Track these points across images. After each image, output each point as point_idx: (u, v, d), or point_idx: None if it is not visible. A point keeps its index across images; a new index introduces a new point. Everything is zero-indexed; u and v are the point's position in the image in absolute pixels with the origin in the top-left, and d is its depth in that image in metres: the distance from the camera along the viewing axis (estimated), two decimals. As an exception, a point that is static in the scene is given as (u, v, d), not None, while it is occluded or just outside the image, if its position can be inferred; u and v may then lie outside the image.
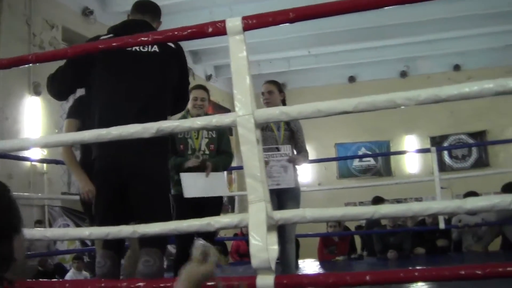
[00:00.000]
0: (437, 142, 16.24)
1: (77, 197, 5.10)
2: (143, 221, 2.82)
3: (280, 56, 15.71)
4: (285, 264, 4.94)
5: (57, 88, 3.79)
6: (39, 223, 9.43)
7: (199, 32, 2.59)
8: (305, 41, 14.41)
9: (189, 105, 4.99)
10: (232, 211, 15.33)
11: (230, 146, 5.22)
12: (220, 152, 5.10)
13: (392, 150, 16.82)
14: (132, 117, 2.98)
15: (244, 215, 2.46)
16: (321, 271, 7.86)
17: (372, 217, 2.38)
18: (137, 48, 3.45)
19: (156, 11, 3.86)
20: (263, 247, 2.31)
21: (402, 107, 2.37)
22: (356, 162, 17.35)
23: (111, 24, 3.75)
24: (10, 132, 9.20)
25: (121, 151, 3.29)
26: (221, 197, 5.18)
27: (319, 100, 2.45)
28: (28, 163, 9.39)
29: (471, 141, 16.40)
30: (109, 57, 3.42)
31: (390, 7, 2.53)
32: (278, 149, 5.02)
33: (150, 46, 3.50)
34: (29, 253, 8.56)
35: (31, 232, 3.14)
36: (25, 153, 7.85)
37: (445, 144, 16.33)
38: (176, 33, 2.64)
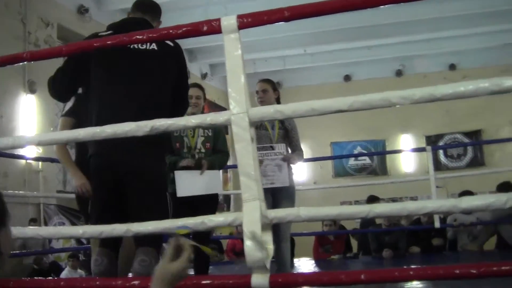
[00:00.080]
0: (432, 141, 16.27)
1: (73, 195, 5.10)
2: (140, 220, 2.82)
3: (275, 54, 15.72)
4: (280, 263, 4.93)
5: (58, 89, 3.78)
6: (34, 221, 9.41)
7: (194, 30, 2.58)
8: (300, 40, 14.42)
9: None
10: (228, 209, 15.34)
11: (226, 145, 5.21)
12: (216, 151, 5.09)
13: (387, 149, 16.85)
14: (130, 116, 2.96)
15: (238, 214, 2.46)
16: (316, 270, 7.87)
17: (367, 216, 2.38)
18: (135, 45, 3.44)
19: (157, 11, 3.85)
20: (258, 245, 2.31)
21: (398, 106, 2.37)
22: (351, 161, 17.37)
23: (107, 22, 3.74)
24: (5, 130, 9.19)
25: (117, 149, 3.28)
26: (216, 196, 5.17)
27: (314, 99, 2.44)
28: (23, 161, 9.38)
29: (466, 140, 16.44)
30: (107, 55, 3.41)
31: (386, 6, 2.53)
32: (272, 148, 5.02)
33: (148, 44, 3.49)
34: (24, 251, 8.57)
35: (23, 231, 3.13)
36: (20, 151, 7.83)
37: (441, 143, 16.36)
38: (171, 31, 2.63)
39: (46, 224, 9.78)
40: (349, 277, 2.33)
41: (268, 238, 2.39)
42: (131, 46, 3.42)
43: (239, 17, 2.45)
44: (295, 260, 8.85)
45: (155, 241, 3.32)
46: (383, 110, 13.45)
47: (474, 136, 16.40)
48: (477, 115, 15.80)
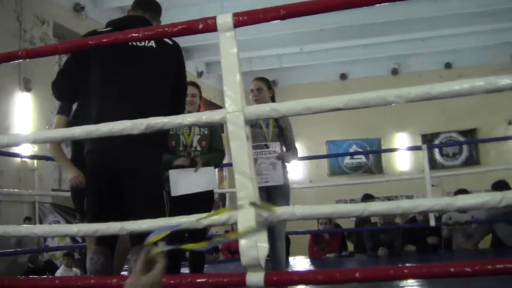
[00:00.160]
0: (428, 140, 16.32)
1: (68, 194, 5.10)
2: (136, 218, 2.81)
3: (271, 53, 15.74)
4: (276, 261, 4.93)
5: (61, 91, 3.74)
6: (29, 220, 9.41)
7: (190, 28, 2.58)
8: (296, 38, 14.44)
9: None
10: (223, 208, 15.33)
11: (222, 143, 5.20)
12: (212, 149, 5.08)
13: (383, 147, 16.89)
14: (128, 114, 2.95)
15: (233, 212, 2.46)
16: (311, 268, 7.87)
17: (362, 214, 2.38)
18: (133, 42, 3.42)
19: (157, 9, 3.82)
20: (253, 244, 2.31)
21: (393, 104, 2.37)
22: (347, 160, 17.39)
23: (102, 20, 3.74)
24: (0, 128, 9.17)
25: (114, 146, 3.26)
26: (212, 194, 5.17)
27: (310, 97, 2.44)
28: (18, 159, 9.38)
29: (462, 139, 16.48)
30: (105, 52, 3.39)
31: (382, 4, 2.53)
32: (267, 146, 5.01)
33: (147, 41, 3.48)
34: (19, 249, 8.56)
35: (18, 229, 3.13)
36: (16, 149, 7.82)
37: (436, 142, 16.42)
38: (166, 29, 2.63)
39: (41, 222, 9.78)
40: (343, 275, 2.33)
41: (263, 236, 2.39)
42: (129, 43, 3.40)
43: (235, 15, 2.45)
44: (291, 259, 8.86)
45: (151, 239, 3.31)
46: (378, 109, 13.48)
47: (470, 135, 16.44)
48: (473, 114, 15.84)
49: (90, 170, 3.48)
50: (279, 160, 5.00)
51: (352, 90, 2.46)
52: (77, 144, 4.63)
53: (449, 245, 9.09)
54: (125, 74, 3.45)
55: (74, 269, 9.27)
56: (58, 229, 3.62)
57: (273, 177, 4.95)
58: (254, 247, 2.31)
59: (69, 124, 4.51)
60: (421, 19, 13.48)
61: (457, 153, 16.63)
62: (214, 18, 2.47)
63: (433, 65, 16.52)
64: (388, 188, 13.61)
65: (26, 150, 8.96)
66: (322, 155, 15.69)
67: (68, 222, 10.06)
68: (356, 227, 9.60)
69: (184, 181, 4.75)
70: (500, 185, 7.99)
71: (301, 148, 16.63)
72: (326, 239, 9.36)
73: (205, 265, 5.46)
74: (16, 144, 3.73)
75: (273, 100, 5.17)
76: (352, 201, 14.14)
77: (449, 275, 2.20)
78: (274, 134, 5.10)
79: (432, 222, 8.25)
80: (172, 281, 2.65)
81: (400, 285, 4.93)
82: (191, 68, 14.84)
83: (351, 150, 17.01)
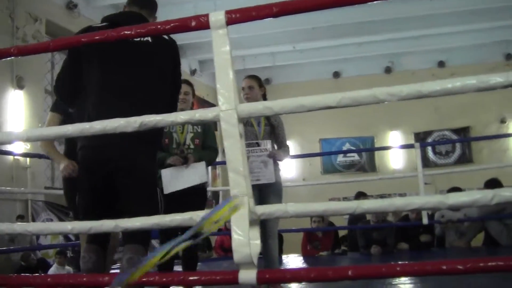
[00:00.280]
0: (421, 138, 16.35)
1: (61, 192, 5.10)
2: (130, 215, 2.80)
3: (265, 51, 15.73)
4: (268, 259, 4.94)
5: (62, 91, 3.71)
6: (21, 218, 9.38)
7: (182, 26, 2.58)
8: (290, 37, 14.45)
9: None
10: (217, 206, 15.30)
11: (216, 142, 5.19)
12: (205, 147, 5.08)
13: (376, 145, 16.90)
14: (124, 111, 2.93)
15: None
16: (304, 266, 7.88)
17: (355, 212, 2.38)
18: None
19: (153, 6, 3.80)
20: (245, 241, 2.31)
21: (386, 102, 2.38)
22: (340, 158, 17.40)
23: (95, 18, 3.72)
24: (-8, 126, 9.16)
25: (108, 143, 3.25)
26: (205, 192, 5.17)
27: (304, 96, 2.44)
28: (11, 157, 9.36)
29: (454, 137, 16.51)
30: (100, 48, 3.36)
31: (375, 2, 2.54)
32: (258, 144, 5.00)
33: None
34: (12, 247, 8.53)
35: (12, 227, 3.12)
36: (8, 147, 7.81)
37: (429, 140, 16.44)
38: (159, 26, 2.62)
39: (33, 220, 9.76)
40: (336, 273, 2.33)
41: (255, 234, 2.39)
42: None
43: (228, 12, 2.45)
44: (284, 257, 8.88)
45: (144, 238, 3.30)
46: (372, 107, 13.43)
47: (463, 133, 16.48)
48: (465, 112, 15.89)
49: (83, 165, 3.47)
50: (271, 158, 5.00)
51: (345, 88, 2.46)
52: (70, 141, 4.64)
53: (441, 243, 9.12)
54: (122, 70, 3.43)
55: (67, 267, 9.26)
56: (52, 227, 3.61)
57: (265, 175, 4.95)
58: (247, 244, 2.31)
59: (63, 122, 4.51)
60: (414, 18, 13.50)
61: (450, 151, 16.67)
62: (206, 15, 2.47)
63: (426, 64, 16.54)
64: (381, 186, 13.63)
65: (18, 148, 8.95)
66: (315, 153, 15.68)
67: (61, 220, 10.05)
68: (350, 225, 9.62)
69: (176, 179, 4.75)
70: (492, 183, 8.02)
71: (294, 146, 16.71)
72: (319, 237, 9.38)
73: (198, 263, 5.45)
74: (9, 142, 3.72)
75: (264, 98, 5.17)
76: (345, 199, 14.16)
77: (441, 272, 2.20)
78: (266, 132, 5.10)
79: (425, 220, 8.27)
80: (164, 279, 2.66)
81: (393, 283, 4.94)
82: (184, 66, 14.80)
83: (344, 148, 17.02)
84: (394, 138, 16.90)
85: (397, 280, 5.00)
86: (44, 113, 10.08)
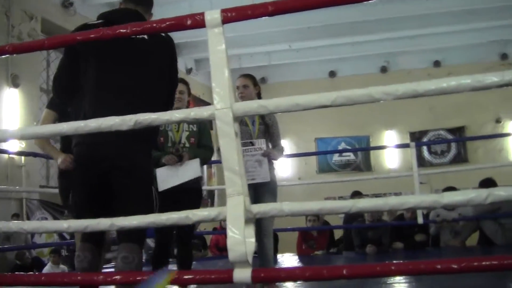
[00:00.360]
0: (416, 137, 16.36)
1: (56, 190, 5.10)
2: (124, 214, 2.80)
3: (260, 50, 15.73)
4: (263, 258, 4.94)
5: (58, 88, 3.67)
6: (16, 216, 9.37)
7: (178, 24, 2.57)
8: (286, 36, 14.45)
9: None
10: (212, 205, 15.32)
11: (211, 141, 5.19)
12: (201, 146, 5.08)
13: (371, 145, 16.91)
14: (121, 109, 2.92)
15: (222, 209, 2.46)
16: (299, 265, 7.88)
17: (350, 211, 2.38)
18: None
19: (149, 3, 3.77)
20: (241, 240, 2.31)
21: (381, 101, 2.38)
22: (336, 157, 17.40)
23: (91, 16, 3.70)
24: (-13, 125, 9.14)
25: (104, 141, 3.23)
26: (200, 190, 5.17)
27: (299, 95, 2.44)
28: (5, 156, 9.34)
29: (450, 136, 16.53)
30: (96, 45, 3.33)
31: (371, 2, 2.54)
32: (252, 144, 5.00)
33: None
34: (6, 246, 8.52)
35: (7, 225, 3.11)
36: (3, 146, 7.79)
37: (424, 140, 16.45)
38: (154, 25, 2.62)
39: (28, 219, 9.74)
40: (331, 272, 2.33)
41: (251, 232, 2.39)
42: None
43: (223, 11, 2.45)
44: (279, 256, 8.88)
45: (139, 237, 3.29)
46: (367, 106, 13.49)
47: (458, 132, 16.50)
48: (461, 112, 15.91)
49: (78, 163, 3.45)
50: (265, 157, 5.00)
51: (341, 88, 2.46)
52: (66, 139, 4.64)
53: (436, 242, 9.13)
54: (118, 68, 3.41)
55: (62, 266, 9.25)
56: (47, 225, 3.60)
57: (260, 174, 4.95)
58: (242, 243, 2.31)
59: (60, 121, 4.51)
60: (410, 17, 13.51)
61: (445, 151, 16.69)
62: (202, 14, 2.47)
63: (422, 63, 16.56)
64: (376, 185, 13.65)
65: (13, 146, 8.93)
66: (311, 152, 15.69)
67: (55, 218, 10.03)
68: (345, 224, 9.63)
69: (170, 176, 4.76)
70: (487, 183, 8.02)
71: (290, 145, 16.74)
72: (314, 236, 9.39)
73: (193, 262, 5.45)
74: (3, 140, 3.72)
75: (259, 97, 5.16)
76: (341, 198, 14.13)
77: (436, 271, 2.21)
78: (260, 131, 5.09)
79: (420, 220, 8.28)
80: (159, 278, 2.65)
81: (388, 282, 4.95)
82: (180, 65, 14.65)
83: (340, 148, 17.03)
84: (390, 138, 16.92)
85: (392, 279, 5.00)
86: (40, 111, 10.04)
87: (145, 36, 3.44)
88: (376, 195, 13.88)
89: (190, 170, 4.84)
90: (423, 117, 16.23)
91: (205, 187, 11.48)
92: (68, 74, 3.55)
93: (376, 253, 8.22)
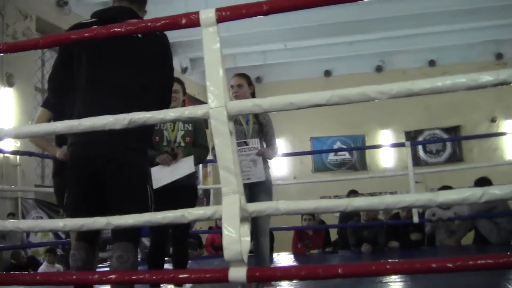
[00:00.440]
0: (411, 136, 16.38)
1: (51, 190, 5.10)
2: (119, 213, 2.79)
3: (256, 49, 15.73)
4: (259, 257, 4.94)
5: (51, 87, 3.67)
6: (12, 215, 9.36)
7: (173, 23, 2.57)
8: (281, 35, 14.44)
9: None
10: (208, 204, 15.31)
11: (206, 140, 5.18)
12: (196, 145, 5.08)
13: (367, 144, 16.92)
14: (113, 107, 2.92)
15: (218, 207, 2.46)
16: (295, 264, 7.89)
17: (345, 210, 2.38)
18: None
19: (143, 0, 3.78)
20: (236, 239, 2.31)
21: (376, 100, 2.37)
22: (331, 156, 17.41)
23: (86, 15, 3.69)
24: (-18, 124, 9.12)
25: (98, 140, 3.23)
26: (196, 189, 5.18)
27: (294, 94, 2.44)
28: (1, 155, 9.32)
29: (445, 136, 16.56)
30: (88, 43, 3.32)
31: (367, 1, 2.54)
32: (246, 143, 5.00)
33: None
34: (1, 245, 8.51)
35: (3, 224, 3.10)
36: (-2, 145, 7.77)
37: (420, 139, 16.48)
38: (149, 24, 2.62)
39: (23, 218, 9.72)
40: (326, 271, 2.33)
41: (246, 231, 2.39)
42: None
43: (218, 10, 2.44)
44: (274, 255, 8.89)
45: (134, 236, 3.28)
46: (362, 106, 13.54)
47: (453, 132, 16.53)
48: (456, 111, 15.94)
49: (72, 162, 3.44)
50: (260, 157, 5.00)
51: (336, 87, 2.46)
52: (60, 139, 4.64)
53: (432, 241, 9.15)
54: (111, 66, 3.40)
55: (57, 265, 9.24)
56: (43, 224, 3.58)
57: (255, 173, 4.96)
58: (238, 242, 2.31)
59: (54, 119, 4.51)
60: (405, 17, 13.53)
61: (440, 150, 16.71)
62: (197, 13, 2.47)
63: (417, 63, 16.59)
64: (372, 184, 13.66)
65: (8, 145, 8.91)
66: (306, 151, 15.71)
67: (51, 218, 10.02)
68: (341, 223, 9.64)
69: (165, 174, 4.76)
70: (482, 182, 8.04)
71: (285, 145, 16.74)
72: (310, 235, 9.39)
73: (189, 261, 5.45)
74: (-2, 139, 3.70)
75: (253, 96, 5.15)
76: (336, 197, 14.13)
77: (431, 270, 2.21)
78: (254, 131, 5.09)
79: (416, 219, 8.30)
80: (155, 277, 2.65)
81: (383, 281, 4.96)
82: (175, 64, 14.65)
83: (335, 147, 17.04)
84: (385, 137, 16.94)
85: (387, 278, 5.01)
86: (34, 110, 10.04)
87: (139, 34, 3.43)
88: (372, 194, 13.90)
89: (184, 166, 4.85)
90: (419, 116, 16.26)
91: (200, 186, 11.48)
92: (62, 73, 3.54)
93: (371, 252, 8.23)
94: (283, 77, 17.09)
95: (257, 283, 4.78)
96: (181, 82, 5.22)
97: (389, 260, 2.35)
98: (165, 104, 3.62)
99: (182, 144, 4.99)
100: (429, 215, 8.94)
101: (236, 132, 4.90)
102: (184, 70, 15.72)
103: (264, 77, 17.21)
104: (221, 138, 2.42)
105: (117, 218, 2.68)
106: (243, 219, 2.39)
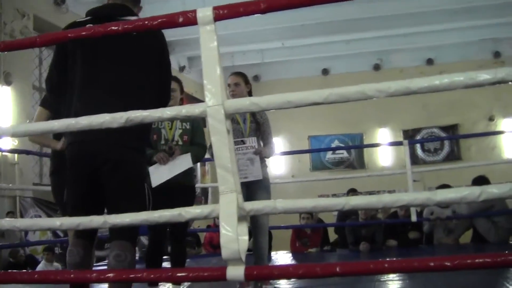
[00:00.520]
0: (409, 135, 16.40)
1: (49, 188, 5.09)
2: (117, 211, 2.79)
3: (253, 48, 15.74)
4: (258, 256, 4.94)
5: (48, 85, 3.66)
6: (12, 214, 9.37)
7: (170, 21, 2.57)
8: (279, 33, 14.44)
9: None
10: (206, 202, 15.33)
11: (204, 139, 5.18)
12: (194, 144, 5.07)
13: (365, 143, 16.94)
14: (110, 105, 2.91)
15: (215, 206, 2.45)
16: (293, 262, 7.88)
17: (343, 208, 2.38)
18: None
19: None
20: (233, 238, 2.31)
21: (374, 99, 2.37)
22: (329, 155, 17.43)
23: (83, 14, 3.66)
24: (-20, 123, 9.11)
25: (95, 139, 3.22)
26: (193, 188, 5.17)
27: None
28: (-2, 154, 9.31)
29: (443, 134, 16.58)
30: (83, 41, 3.31)
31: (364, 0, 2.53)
32: (243, 142, 5.00)
33: None
34: (0, 244, 8.51)
35: (0, 223, 3.10)
36: (-5, 144, 7.76)
37: (418, 138, 16.49)
38: (146, 22, 2.61)
39: (22, 217, 9.73)
40: (324, 269, 2.33)
41: (244, 230, 2.39)
42: None
43: (215, 8, 2.44)
44: (273, 253, 8.88)
45: (131, 234, 3.28)
46: (360, 104, 13.55)
47: (451, 130, 16.54)
48: (454, 110, 15.96)
49: (70, 161, 3.44)
50: (257, 155, 5.00)
51: (334, 85, 2.45)
52: (58, 137, 4.63)
53: (430, 240, 9.15)
54: (105, 63, 3.38)
55: (55, 263, 9.24)
56: (40, 223, 3.59)
57: (252, 172, 4.95)
58: (235, 241, 2.31)
59: (53, 118, 4.51)
60: (403, 15, 13.53)
61: (438, 148, 16.73)
62: (194, 11, 2.46)
63: (415, 61, 16.60)
64: (370, 183, 13.64)
65: (6, 144, 8.91)
66: (304, 150, 15.71)
67: (49, 216, 10.01)
68: (338, 222, 9.64)
69: (162, 172, 4.75)
70: (480, 181, 8.04)
71: (283, 143, 16.74)
72: (308, 233, 9.40)
73: (187, 260, 5.45)
74: (-5, 138, 3.70)
75: (250, 95, 5.14)
76: (334, 195, 14.14)
77: (429, 269, 2.20)
78: (251, 129, 5.09)
79: (414, 217, 8.30)
80: (152, 276, 2.65)
81: (381, 279, 4.96)
82: (172, 63, 14.66)
83: (333, 145, 17.04)
84: (383, 135, 16.95)
85: (385, 277, 5.01)
86: (32, 109, 10.04)
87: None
88: (370, 193, 13.93)
89: (181, 163, 4.84)
90: (416, 115, 16.27)
91: (198, 185, 11.48)
92: (58, 72, 3.53)
93: (369, 251, 8.23)
94: (281, 75, 17.09)
95: (255, 282, 4.78)
96: (178, 81, 5.20)
97: (387, 259, 2.34)
98: (163, 102, 3.61)
99: (180, 142, 4.99)
100: (427, 214, 8.95)
101: (233, 131, 4.89)
102: (182, 69, 15.72)
103: (261, 75, 17.21)
104: (218, 137, 2.42)
105: (114, 217, 2.67)
106: (240, 218, 2.38)
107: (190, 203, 4.84)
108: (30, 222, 3.28)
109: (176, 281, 4.82)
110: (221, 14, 2.44)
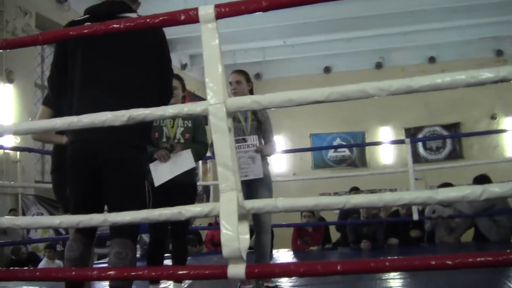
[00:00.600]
0: (411, 133, 16.40)
1: (51, 186, 5.10)
2: (117, 209, 2.79)
3: (255, 46, 15.73)
4: (260, 254, 4.94)
5: (50, 84, 3.67)
6: (14, 211, 9.38)
7: (171, 19, 2.56)
8: (280, 31, 14.44)
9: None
10: (208, 200, 15.34)
11: (206, 137, 5.18)
12: (196, 142, 5.07)
13: (367, 141, 16.95)
14: (111, 103, 2.91)
15: (216, 204, 2.45)
16: (294, 261, 7.89)
17: (344, 207, 2.37)
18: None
19: None
20: (234, 236, 2.31)
21: (375, 97, 2.37)
22: (331, 153, 17.43)
23: (86, 12, 3.66)
24: (-18, 120, 9.12)
25: (96, 137, 3.23)
26: (195, 186, 5.17)
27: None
28: (1, 151, 9.32)
29: (445, 133, 16.57)
30: (83, 40, 3.30)
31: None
32: (244, 140, 5.00)
33: None
34: (1, 241, 8.51)
35: (0, 221, 3.10)
36: (-2, 141, 7.76)
37: (420, 136, 16.49)
38: (148, 20, 2.61)
39: (24, 214, 9.75)
40: (325, 268, 2.33)
41: (245, 228, 2.39)
42: None
43: (217, 6, 2.44)
44: (274, 252, 8.88)
45: (132, 232, 3.28)
46: (362, 102, 13.54)
47: (453, 129, 16.54)
48: (456, 108, 15.95)
49: (71, 160, 3.44)
50: (258, 153, 4.99)
51: (335, 84, 2.45)
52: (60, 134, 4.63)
53: (431, 238, 9.14)
54: (104, 61, 3.38)
55: (57, 261, 9.25)
56: (40, 221, 3.59)
57: (253, 170, 4.95)
58: (236, 239, 2.30)
59: (55, 117, 4.51)
60: (405, 13, 13.52)
61: (440, 147, 16.73)
62: (196, 9, 2.46)
63: (417, 60, 16.60)
64: (371, 181, 13.66)
65: (8, 141, 8.92)
66: (306, 148, 15.71)
67: (51, 214, 10.04)
68: (340, 220, 9.63)
69: (164, 170, 4.75)
70: (481, 179, 8.02)
71: (285, 141, 16.74)
72: (309, 232, 9.39)
73: (188, 258, 5.45)
74: (-2, 135, 3.69)
75: (251, 93, 5.14)
76: (336, 194, 14.17)
77: (430, 268, 2.20)
78: (253, 128, 5.08)
79: (415, 216, 8.29)
80: (154, 273, 2.65)
81: (383, 278, 4.96)
82: (174, 61, 14.69)
83: (335, 144, 17.05)
84: (385, 134, 16.95)
85: (386, 275, 5.01)
86: (34, 106, 10.06)
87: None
88: (371, 191, 13.92)
89: (183, 161, 4.84)
90: (418, 113, 16.26)
91: (200, 183, 11.48)
92: (58, 71, 3.54)
93: (371, 249, 8.22)
94: (282, 73, 17.09)
95: (256, 280, 4.78)
96: (180, 79, 5.20)
97: (388, 257, 2.34)
98: (164, 100, 3.60)
99: (182, 140, 4.99)
100: (429, 212, 8.93)
101: (235, 129, 4.91)
102: (184, 67, 15.72)
103: (263, 73, 17.22)
104: (220, 135, 2.42)
105: (114, 215, 2.67)
106: (241, 216, 2.38)
107: (191, 201, 4.84)
108: (30, 220, 3.28)
109: (177, 279, 4.83)
110: (223, 12, 2.44)
